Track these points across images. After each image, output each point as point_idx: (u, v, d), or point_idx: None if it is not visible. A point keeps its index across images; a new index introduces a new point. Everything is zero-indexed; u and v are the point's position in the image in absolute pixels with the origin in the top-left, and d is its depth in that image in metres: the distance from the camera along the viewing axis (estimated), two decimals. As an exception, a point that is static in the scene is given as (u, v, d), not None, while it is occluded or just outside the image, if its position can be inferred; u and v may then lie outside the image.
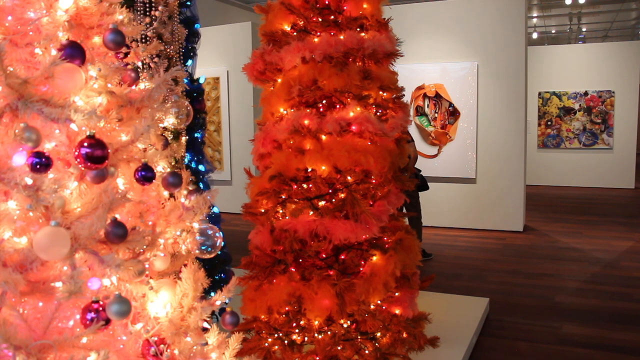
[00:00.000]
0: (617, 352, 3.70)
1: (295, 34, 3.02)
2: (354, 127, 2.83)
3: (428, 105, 7.78)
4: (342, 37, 2.92)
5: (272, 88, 3.09)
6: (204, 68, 8.29)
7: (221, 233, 1.89)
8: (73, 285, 1.22)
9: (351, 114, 2.83)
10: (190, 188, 1.72)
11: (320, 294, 2.70)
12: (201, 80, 3.55)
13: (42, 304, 1.27)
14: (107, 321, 1.30)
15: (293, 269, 2.85)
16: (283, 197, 2.93)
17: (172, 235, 1.59)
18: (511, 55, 7.22)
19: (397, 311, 3.00)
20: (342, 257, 2.92)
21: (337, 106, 2.93)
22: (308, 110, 2.91)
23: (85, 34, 1.46)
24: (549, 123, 11.68)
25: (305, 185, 2.89)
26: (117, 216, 1.35)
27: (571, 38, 15.25)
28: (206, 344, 1.55)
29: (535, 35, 13.52)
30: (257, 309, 2.86)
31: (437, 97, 7.70)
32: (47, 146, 1.32)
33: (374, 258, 2.87)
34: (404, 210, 5.85)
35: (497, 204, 7.38)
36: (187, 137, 3.29)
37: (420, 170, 6.03)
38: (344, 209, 2.79)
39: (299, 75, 2.90)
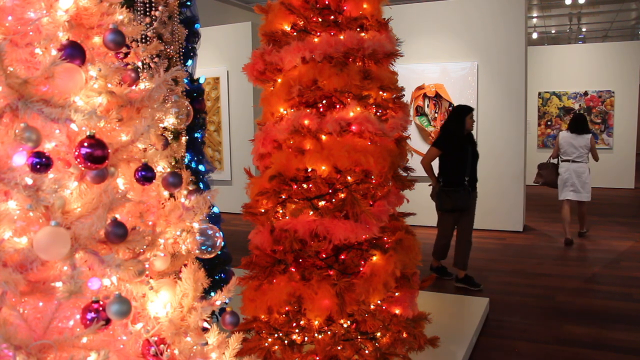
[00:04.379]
0: (617, 352, 3.71)
1: (295, 34, 3.02)
2: (354, 127, 2.83)
3: (428, 105, 7.78)
4: (342, 37, 2.92)
5: (272, 88, 3.09)
6: (204, 68, 8.29)
7: (221, 233, 1.89)
8: (73, 285, 1.22)
9: (351, 114, 2.83)
10: (190, 188, 1.72)
11: (320, 294, 2.70)
12: (201, 80, 3.56)
13: (42, 304, 1.27)
14: (107, 321, 1.30)
15: (293, 269, 2.85)
16: (283, 197, 2.93)
17: (172, 235, 1.59)
18: (511, 55, 7.22)
19: (397, 311, 3.00)
20: (342, 257, 2.92)
21: (337, 106, 2.93)
22: (308, 110, 2.91)
23: (85, 34, 1.46)
24: (549, 123, 11.69)
25: (305, 185, 2.89)
26: (117, 216, 1.35)
27: (571, 38, 15.25)
28: (206, 344, 1.55)
29: (535, 35, 13.53)
30: (257, 309, 2.86)
31: (437, 97, 7.70)
32: (47, 146, 1.32)
33: (374, 258, 2.87)
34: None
35: (497, 204, 7.38)
36: (187, 137, 3.29)
37: (445, 185, 5.06)
38: (344, 209, 2.79)
39: (299, 75, 2.90)
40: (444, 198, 5.02)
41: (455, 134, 4.97)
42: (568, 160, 6.71)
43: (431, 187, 5.28)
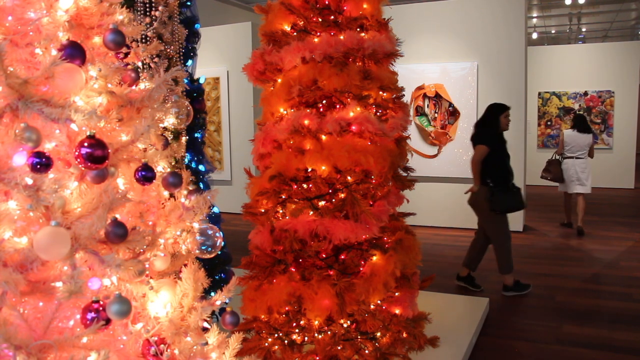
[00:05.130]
0: (617, 352, 3.71)
1: (295, 34, 3.02)
2: (354, 127, 2.83)
3: (428, 105, 7.78)
4: (342, 37, 2.92)
5: (272, 88, 3.09)
6: (204, 68, 8.29)
7: (221, 233, 1.89)
8: (73, 285, 1.22)
9: (351, 114, 2.83)
10: (190, 188, 1.72)
11: (320, 294, 2.70)
12: (201, 80, 3.56)
13: (42, 303, 1.27)
14: (108, 321, 1.30)
15: (293, 269, 2.85)
16: (283, 197, 2.93)
17: (172, 235, 1.59)
18: (511, 55, 7.22)
19: (397, 311, 3.00)
20: (342, 257, 2.92)
21: (337, 106, 2.93)
22: (308, 110, 2.91)
23: (85, 34, 1.46)
24: (549, 123, 11.68)
25: (305, 185, 2.89)
26: (118, 216, 1.35)
27: (571, 38, 15.25)
28: (206, 343, 1.55)
29: (535, 35, 13.52)
30: (257, 309, 2.86)
31: (437, 97, 7.70)
32: (48, 146, 1.32)
33: (374, 258, 2.87)
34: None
35: (497, 204, 7.37)
36: (187, 137, 3.29)
37: (501, 187, 4.74)
38: (344, 209, 2.79)
39: (299, 75, 2.90)
40: (502, 198, 4.68)
41: (492, 132, 4.77)
42: (572, 157, 7.17)
43: (470, 192, 4.89)
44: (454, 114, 7.59)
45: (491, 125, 4.79)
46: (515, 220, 7.42)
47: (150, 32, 2.85)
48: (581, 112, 7.81)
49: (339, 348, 2.78)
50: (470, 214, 7.55)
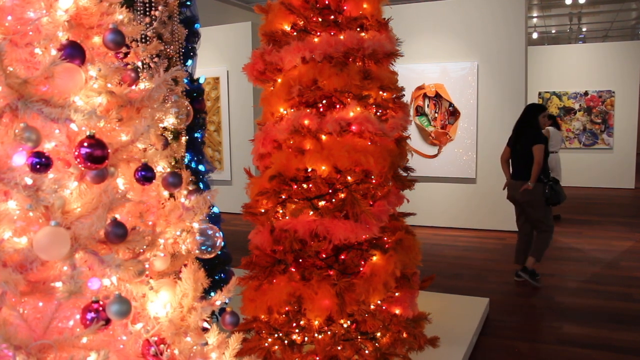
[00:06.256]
0: (617, 352, 3.70)
1: (295, 34, 3.02)
2: (354, 127, 2.83)
3: (428, 105, 7.78)
4: (342, 37, 2.92)
5: (272, 88, 3.09)
6: (204, 68, 8.29)
7: (221, 233, 1.89)
8: (73, 285, 1.22)
9: (351, 114, 2.83)
10: (190, 188, 1.72)
11: (320, 294, 2.70)
12: (201, 80, 3.56)
13: (42, 304, 1.27)
14: (107, 321, 1.30)
15: (293, 269, 2.85)
16: (283, 197, 2.93)
17: (172, 235, 1.59)
18: (511, 55, 7.22)
19: (397, 311, 3.00)
20: (342, 257, 2.92)
21: (337, 106, 2.93)
22: (308, 110, 2.91)
23: (85, 34, 1.46)
24: (549, 123, 11.68)
25: (305, 185, 2.89)
26: (117, 216, 1.35)
27: (571, 38, 15.25)
28: (206, 344, 1.55)
29: (535, 35, 13.52)
30: (257, 309, 2.86)
31: (437, 97, 7.70)
32: (47, 146, 1.32)
33: (374, 258, 2.87)
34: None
35: (497, 204, 7.37)
36: (187, 137, 3.29)
37: (554, 181, 5.10)
38: (344, 209, 2.79)
39: (299, 75, 2.90)
40: (557, 190, 5.06)
41: (539, 132, 5.06)
42: (553, 152, 7.76)
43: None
44: (454, 114, 7.59)
45: (533, 126, 5.06)
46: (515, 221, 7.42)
47: (150, 32, 2.85)
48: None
49: (339, 348, 2.78)
50: (470, 213, 7.61)
